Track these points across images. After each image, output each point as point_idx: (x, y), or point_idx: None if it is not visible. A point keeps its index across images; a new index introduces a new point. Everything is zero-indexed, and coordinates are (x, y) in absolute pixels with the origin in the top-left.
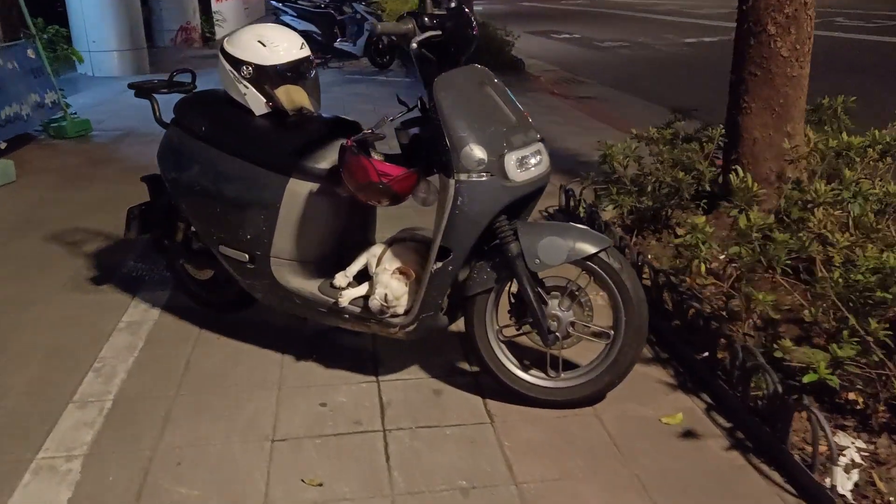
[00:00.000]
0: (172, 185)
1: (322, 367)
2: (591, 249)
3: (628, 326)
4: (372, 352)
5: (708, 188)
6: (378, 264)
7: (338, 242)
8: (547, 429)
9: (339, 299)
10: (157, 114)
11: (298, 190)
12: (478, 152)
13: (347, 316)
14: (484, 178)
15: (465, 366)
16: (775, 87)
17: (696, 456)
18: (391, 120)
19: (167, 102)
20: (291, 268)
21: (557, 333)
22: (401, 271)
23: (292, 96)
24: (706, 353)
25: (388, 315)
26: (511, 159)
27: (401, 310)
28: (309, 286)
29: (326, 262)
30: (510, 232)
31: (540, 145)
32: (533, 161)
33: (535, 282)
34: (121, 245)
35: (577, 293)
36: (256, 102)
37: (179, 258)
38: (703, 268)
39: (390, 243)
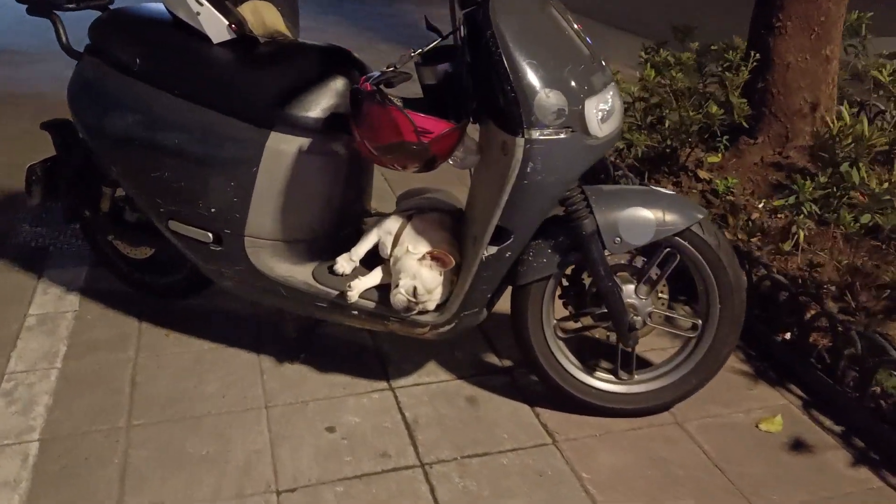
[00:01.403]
0: (94, 138)
1: (315, 371)
2: (684, 222)
3: (723, 317)
4: (374, 346)
5: (745, 124)
6: (396, 244)
7: (336, 216)
8: (627, 449)
9: (348, 292)
10: (64, 38)
11: (282, 147)
12: (556, 100)
13: (357, 312)
14: (563, 136)
15: (495, 359)
16: (816, 2)
17: (820, 480)
18: (418, 53)
19: (76, 21)
20: (274, 250)
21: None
22: (435, 257)
23: (263, 16)
24: (787, 335)
25: (415, 312)
26: (592, 107)
27: (432, 305)
28: (300, 273)
29: (320, 242)
30: (583, 203)
31: (615, 86)
32: (616, 108)
33: None
34: (8, 206)
35: (654, 276)
36: (215, 25)
37: (107, 233)
38: (801, 235)
39: (408, 216)
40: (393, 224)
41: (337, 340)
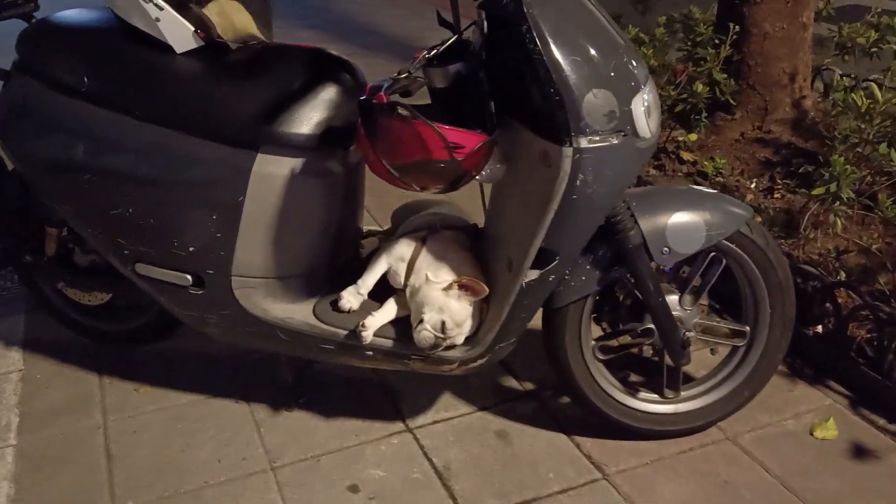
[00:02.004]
0: (32, 172)
1: (319, 418)
2: (734, 224)
3: (775, 320)
4: (378, 380)
5: (732, 101)
6: (411, 272)
7: (334, 243)
8: (685, 476)
9: (361, 331)
10: None
11: (271, 171)
12: (605, 100)
13: (372, 353)
14: (615, 141)
15: (514, 382)
16: None
17: None
18: (430, 54)
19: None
20: (268, 289)
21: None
22: (464, 286)
23: (232, 18)
24: (819, 328)
25: (441, 348)
26: (640, 105)
27: (461, 339)
28: (299, 313)
29: (317, 273)
30: (627, 212)
31: (651, 78)
32: (656, 102)
33: None
34: None
35: (696, 283)
36: (178, 32)
37: (54, 280)
38: (839, 224)
39: (421, 238)
40: (405, 249)
41: (336, 377)
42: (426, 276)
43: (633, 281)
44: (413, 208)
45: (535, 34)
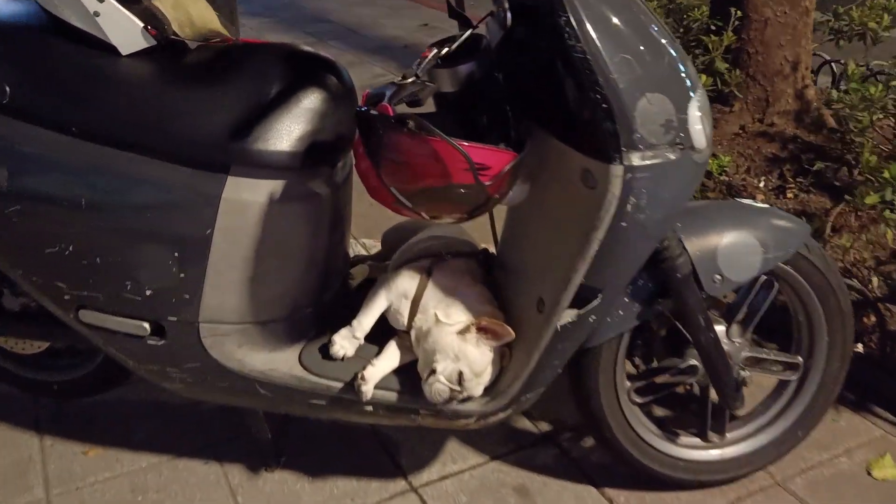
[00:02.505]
0: None
1: (305, 479)
2: (793, 244)
3: (833, 350)
4: (371, 429)
5: (738, 93)
6: (415, 310)
7: (320, 278)
8: None
9: (360, 385)
10: None
11: (245, 197)
12: (661, 107)
13: (373, 408)
14: (672, 157)
15: (528, 423)
16: None
17: None
18: (441, 53)
19: None
20: (244, 336)
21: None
22: (483, 329)
23: (189, 11)
24: (860, 346)
25: (457, 401)
26: (695, 110)
27: (479, 390)
28: (283, 363)
29: (303, 315)
30: (675, 238)
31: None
32: (707, 108)
33: None
34: None
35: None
36: (124, 29)
37: None
38: (889, 235)
39: (426, 269)
40: (407, 283)
41: (322, 428)
42: (435, 315)
43: (678, 315)
44: (408, 229)
45: (575, 26)
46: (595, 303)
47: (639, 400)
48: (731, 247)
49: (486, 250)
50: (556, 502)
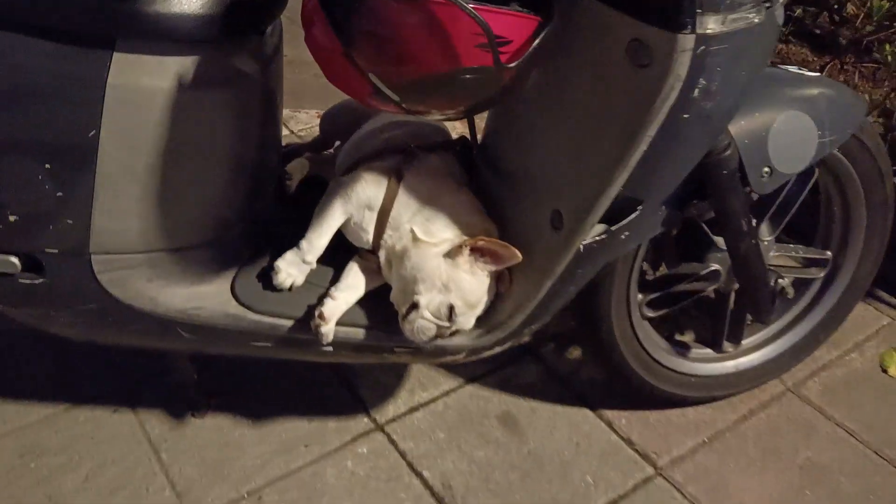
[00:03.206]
0: None
1: (245, 424)
2: (851, 123)
3: (868, 249)
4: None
5: None
6: (383, 225)
7: (250, 184)
8: (758, 459)
9: (318, 326)
10: None
11: (143, 83)
12: None
13: (333, 349)
14: (756, 20)
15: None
16: None
17: None
18: None
19: None
20: (154, 268)
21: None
22: (480, 250)
23: None
24: None
25: (445, 337)
26: None
27: (472, 322)
28: (211, 298)
29: (232, 235)
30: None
31: None
32: None
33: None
34: None
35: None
36: None
37: None
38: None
39: (396, 170)
40: (372, 189)
41: (260, 358)
42: (412, 232)
43: (717, 219)
44: (357, 111)
45: None
46: (632, 216)
47: (651, 314)
48: (784, 132)
49: (464, 139)
50: (549, 432)
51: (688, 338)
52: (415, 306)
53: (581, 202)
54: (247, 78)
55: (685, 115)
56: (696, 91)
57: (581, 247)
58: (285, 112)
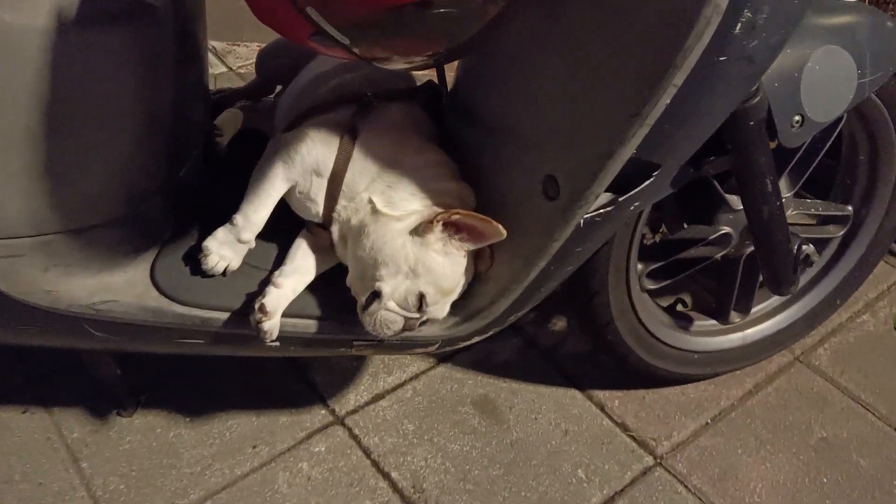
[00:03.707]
0: None
1: (180, 422)
2: (893, 64)
3: (894, 203)
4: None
5: None
6: (335, 194)
7: (167, 145)
8: (769, 440)
9: (260, 321)
10: None
11: (13, 21)
12: None
13: (280, 344)
14: None
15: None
16: None
17: None
18: None
19: None
20: (50, 254)
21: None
22: (457, 226)
23: None
24: None
25: (412, 330)
26: None
27: (445, 311)
28: (123, 289)
29: (149, 210)
30: None
31: None
32: None
33: None
34: None
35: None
36: None
37: None
38: None
39: (349, 128)
40: (320, 150)
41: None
42: (371, 204)
43: (737, 177)
44: (300, 50)
45: None
46: (646, 183)
47: (652, 286)
48: (819, 71)
49: (431, 85)
50: (533, 417)
51: (682, 305)
52: (377, 295)
53: (582, 166)
54: (150, 8)
55: (721, 58)
56: (739, 26)
57: (582, 220)
58: (222, 46)
